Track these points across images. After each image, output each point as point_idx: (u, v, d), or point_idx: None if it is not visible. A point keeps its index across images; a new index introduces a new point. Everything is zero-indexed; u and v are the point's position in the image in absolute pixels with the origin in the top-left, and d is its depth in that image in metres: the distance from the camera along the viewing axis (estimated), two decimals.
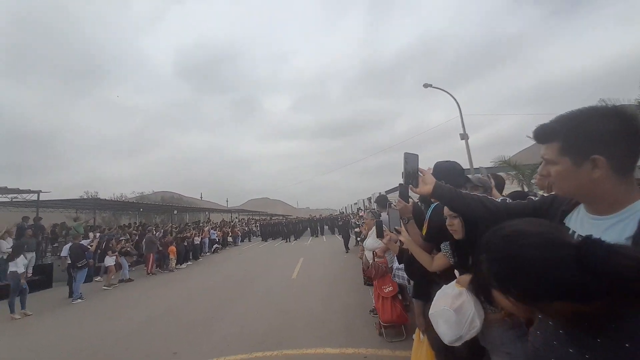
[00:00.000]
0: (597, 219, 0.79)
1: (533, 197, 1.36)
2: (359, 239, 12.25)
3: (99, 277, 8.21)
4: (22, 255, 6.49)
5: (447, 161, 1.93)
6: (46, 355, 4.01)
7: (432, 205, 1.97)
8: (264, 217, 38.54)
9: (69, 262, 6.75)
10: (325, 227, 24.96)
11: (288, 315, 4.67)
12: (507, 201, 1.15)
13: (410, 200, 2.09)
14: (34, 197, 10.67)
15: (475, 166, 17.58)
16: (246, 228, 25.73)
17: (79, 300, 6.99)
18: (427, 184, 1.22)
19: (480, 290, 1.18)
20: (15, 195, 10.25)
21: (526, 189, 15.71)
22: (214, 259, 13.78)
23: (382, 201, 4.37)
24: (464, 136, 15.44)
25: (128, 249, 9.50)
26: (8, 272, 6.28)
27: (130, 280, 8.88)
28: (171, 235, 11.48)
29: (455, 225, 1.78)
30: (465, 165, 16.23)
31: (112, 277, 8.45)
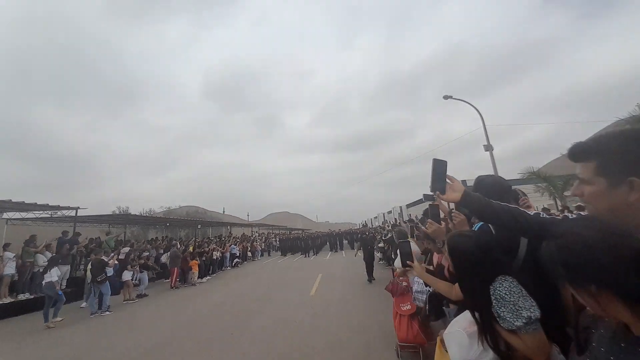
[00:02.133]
0: None
1: (569, 215, 1.29)
2: (380, 258, 11.64)
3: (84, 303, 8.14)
4: (56, 267, 6.94)
5: (490, 175, 1.73)
6: None
7: (477, 225, 1.66)
8: (283, 232, 38.74)
9: (56, 287, 6.77)
10: (345, 242, 24.66)
11: (306, 335, 4.61)
12: (541, 215, 1.10)
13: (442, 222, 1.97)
14: (72, 213, 11.46)
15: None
16: (266, 243, 25.96)
17: (107, 312, 7.29)
18: (456, 192, 1.18)
19: (484, 333, 1.15)
20: (55, 211, 11.04)
21: (559, 203, 14.75)
22: (234, 273, 13.95)
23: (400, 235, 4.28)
24: (488, 147, 14.92)
25: (150, 263, 9.82)
26: (44, 283, 6.69)
27: (145, 295, 9.05)
28: (193, 250, 11.81)
29: (458, 218, 1.72)
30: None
31: (131, 291, 8.73)
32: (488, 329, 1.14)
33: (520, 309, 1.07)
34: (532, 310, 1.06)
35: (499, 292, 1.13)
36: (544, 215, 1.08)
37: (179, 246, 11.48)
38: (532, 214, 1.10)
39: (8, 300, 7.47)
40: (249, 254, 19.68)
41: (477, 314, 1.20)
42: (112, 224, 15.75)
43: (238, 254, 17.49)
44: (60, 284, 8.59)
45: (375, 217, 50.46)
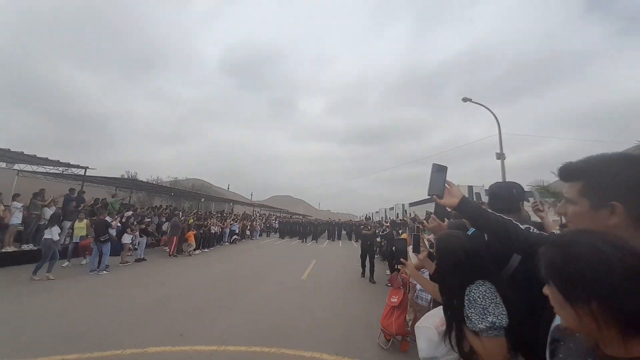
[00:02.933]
0: None
1: (555, 231, 1.28)
2: (376, 253, 11.59)
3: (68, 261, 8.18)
4: (56, 226, 7.10)
5: (506, 182, 1.72)
6: (46, 322, 4.37)
7: (471, 231, 1.72)
8: (284, 215, 39.16)
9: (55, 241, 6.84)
10: (343, 232, 24.86)
11: (293, 315, 4.73)
12: (531, 230, 1.11)
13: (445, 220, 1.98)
14: (81, 171, 11.73)
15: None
16: (266, 223, 26.32)
17: (105, 272, 7.55)
18: (454, 197, 1.21)
19: (450, 332, 1.16)
20: (65, 168, 11.31)
21: (564, 220, 14.54)
22: (232, 249, 14.25)
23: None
24: (501, 155, 14.66)
25: (150, 229, 10.06)
26: (43, 239, 6.80)
27: (143, 259, 9.29)
28: (191, 221, 12.06)
29: (434, 222, 1.75)
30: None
31: (129, 255, 8.98)
32: (455, 329, 1.16)
33: (487, 313, 1.09)
34: (499, 318, 1.08)
35: (472, 294, 1.15)
36: (534, 231, 1.09)
37: (180, 216, 11.70)
38: (523, 227, 1.11)
39: (11, 249, 7.78)
40: (248, 232, 20.00)
41: (448, 313, 1.22)
42: (119, 187, 16.09)
43: (237, 231, 17.82)
44: (65, 240, 8.90)
45: (377, 212, 50.55)
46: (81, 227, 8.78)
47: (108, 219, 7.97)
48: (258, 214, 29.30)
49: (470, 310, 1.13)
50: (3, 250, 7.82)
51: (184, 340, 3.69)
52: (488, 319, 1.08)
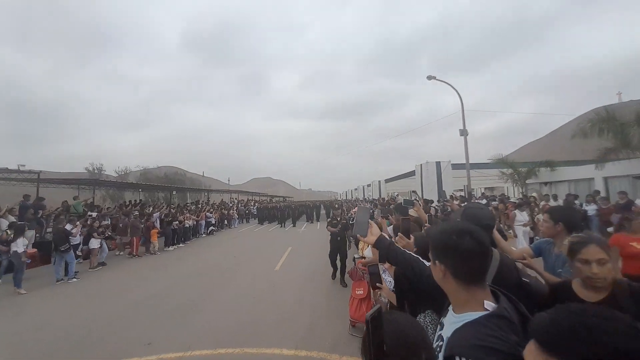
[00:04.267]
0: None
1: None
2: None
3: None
4: (21, 237, 6.96)
5: (478, 207, 1.76)
6: (19, 338, 4.41)
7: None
8: (264, 198, 39.10)
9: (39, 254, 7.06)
10: (323, 212, 25.37)
11: (261, 311, 5.01)
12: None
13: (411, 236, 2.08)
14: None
15: (474, 161, 17.56)
16: (246, 209, 26.25)
17: (75, 279, 7.46)
18: (373, 235, 1.45)
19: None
20: (17, 174, 10.59)
21: (521, 190, 15.72)
22: (207, 241, 14.28)
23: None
24: (464, 132, 15.33)
25: (108, 233, 9.81)
26: (10, 252, 6.80)
27: (104, 263, 9.05)
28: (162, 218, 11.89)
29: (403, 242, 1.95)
30: (459, 159, 16.19)
31: (96, 260, 8.82)
32: None
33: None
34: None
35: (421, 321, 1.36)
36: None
37: (137, 214, 11.43)
38: (428, 265, 1.28)
39: None
40: (226, 222, 19.97)
41: None
42: (80, 186, 15.29)
43: (214, 222, 17.74)
44: (26, 248, 8.55)
45: (356, 189, 51.59)
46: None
47: (68, 226, 7.72)
48: (236, 201, 29.08)
49: None
50: None
51: (151, 350, 3.85)
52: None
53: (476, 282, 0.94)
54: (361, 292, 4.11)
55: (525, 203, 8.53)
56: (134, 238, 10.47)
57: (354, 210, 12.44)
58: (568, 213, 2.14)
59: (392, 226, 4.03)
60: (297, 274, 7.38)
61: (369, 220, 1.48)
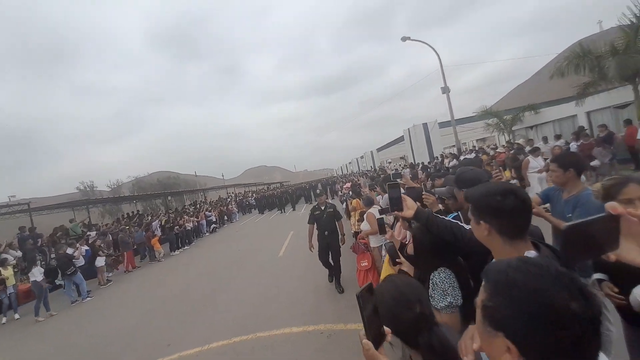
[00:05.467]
0: None
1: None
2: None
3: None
4: (37, 267, 7.23)
5: (472, 170, 1.88)
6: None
7: (451, 216, 1.90)
8: (261, 188, 39.22)
9: (47, 281, 7.35)
10: (318, 191, 25.59)
11: (268, 297, 5.27)
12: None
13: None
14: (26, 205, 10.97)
15: (458, 117, 17.57)
16: (245, 202, 26.42)
17: (89, 298, 7.68)
18: (410, 209, 1.47)
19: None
20: (7, 208, 10.52)
21: (508, 137, 15.86)
22: (210, 240, 14.53)
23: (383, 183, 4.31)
24: (445, 89, 15.26)
25: (103, 250, 9.85)
26: (30, 282, 7.08)
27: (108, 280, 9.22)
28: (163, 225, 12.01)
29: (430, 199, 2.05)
30: (446, 117, 16.18)
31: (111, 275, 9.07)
32: None
33: (446, 295, 1.38)
34: (455, 298, 1.38)
35: (435, 279, 1.46)
36: None
37: (127, 228, 11.53)
38: (467, 228, 1.38)
39: None
40: (226, 217, 20.16)
41: None
42: (74, 208, 15.24)
43: (215, 220, 17.92)
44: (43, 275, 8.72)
45: (350, 163, 51.73)
46: (9, 275, 7.47)
47: (69, 250, 7.83)
48: (233, 195, 29.18)
49: (433, 292, 1.41)
50: None
51: (171, 350, 4.10)
52: (447, 299, 1.37)
53: (520, 236, 1.02)
54: (365, 263, 4.22)
55: (536, 149, 7.57)
56: (124, 253, 10.52)
57: (347, 185, 12.59)
58: (575, 158, 2.19)
59: (384, 196, 4.11)
60: (299, 258, 7.62)
61: (401, 194, 1.51)
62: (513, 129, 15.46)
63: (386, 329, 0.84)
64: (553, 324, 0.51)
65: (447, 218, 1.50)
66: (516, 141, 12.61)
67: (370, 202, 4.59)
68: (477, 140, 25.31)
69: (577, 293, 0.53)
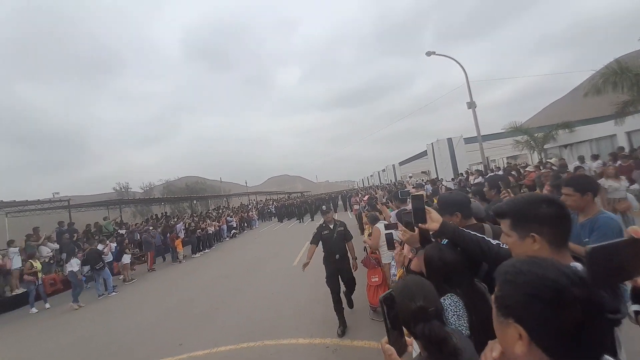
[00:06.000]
0: None
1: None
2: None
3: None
4: (75, 258, 7.90)
5: (450, 193, 1.93)
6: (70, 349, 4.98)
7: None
8: (282, 197, 39.82)
9: (83, 271, 8.05)
10: (340, 204, 25.53)
11: (279, 305, 5.34)
12: (500, 245, 1.26)
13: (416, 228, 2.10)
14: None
15: (485, 133, 16.99)
16: (266, 209, 26.96)
17: (114, 293, 8.17)
18: (434, 222, 1.40)
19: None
20: (49, 204, 11.55)
21: (540, 156, 15.05)
22: (230, 245, 14.93)
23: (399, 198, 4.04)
24: (471, 104, 14.91)
25: (129, 248, 10.44)
26: (67, 272, 7.78)
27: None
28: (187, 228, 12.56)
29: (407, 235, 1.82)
30: (472, 133, 15.70)
31: (132, 272, 9.62)
32: None
33: (449, 324, 1.28)
34: (459, 329, 1.29)
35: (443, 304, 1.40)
36: (505, 246, 1.20)
37: (151, 229, 12.18)
38: (494, 243, 1.31)
39: (21, 290, 8.28)
40: (246, 224, 20.65)
41: None
42: (108, 207, 16.38)
43: (235, 225, 18.42)
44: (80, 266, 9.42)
45: (371, 175, 51.29)
46: (39, 267, 8.17)
47: (100, 246, 8.41)
48: (254, 202, 29.88)
49: None
50: (13, 293, 8.36)
51: (183, 349, 4.27)
52: (449, 328, 1.30)
53: (566, 245, 1.00)
54: (376, 279, 4.19)
55: (579, 167, 7.07)
56: (147, 253, 11.08)
57: (365, 198, 12.50)
58: (589, 180, 2.13)
59: (395, 212, 4.10)
60: (312, 268, 7.62)
61: (425, 206, 1.43)
62: (545, 147, 14.70)
63: (407, 339, 0.90)
64: (555, 304, 0.55)
65: (474, 233, 1.40)
66: (548, 159, 11.96)
67: (374, 220, 4.57)
68: (507, 157, 24.25)
69: (578, 280, 0.57)
